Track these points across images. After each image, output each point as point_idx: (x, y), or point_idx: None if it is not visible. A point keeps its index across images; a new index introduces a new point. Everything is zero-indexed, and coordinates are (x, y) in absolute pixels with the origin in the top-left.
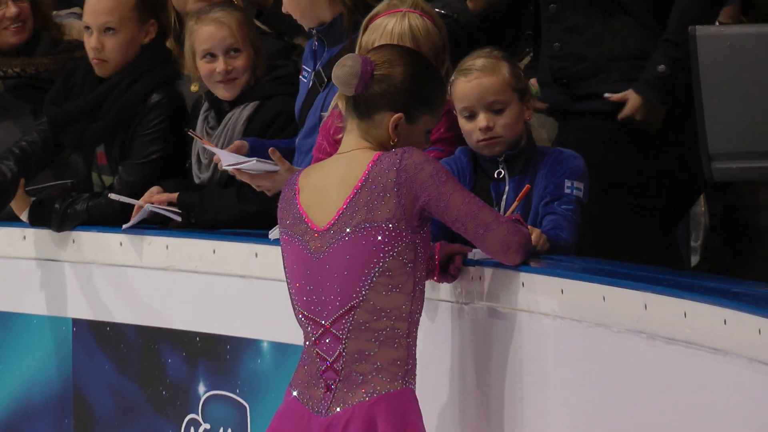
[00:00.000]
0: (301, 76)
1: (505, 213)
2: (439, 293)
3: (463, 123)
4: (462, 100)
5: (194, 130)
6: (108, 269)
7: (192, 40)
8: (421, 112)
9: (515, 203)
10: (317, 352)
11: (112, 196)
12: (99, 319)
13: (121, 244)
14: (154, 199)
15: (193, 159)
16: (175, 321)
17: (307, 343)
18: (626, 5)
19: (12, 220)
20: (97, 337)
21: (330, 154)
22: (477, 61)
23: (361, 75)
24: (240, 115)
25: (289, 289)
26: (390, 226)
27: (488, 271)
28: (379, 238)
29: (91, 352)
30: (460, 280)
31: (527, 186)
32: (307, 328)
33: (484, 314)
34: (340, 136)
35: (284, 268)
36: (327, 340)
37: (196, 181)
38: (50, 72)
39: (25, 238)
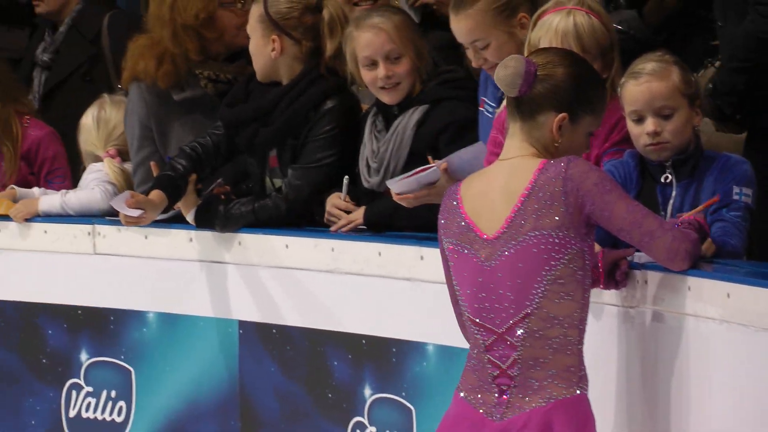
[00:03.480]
0: (482, 108)
1: (673, 217)
2: (604, 297)
3: (631, 126)
4: (631, 104)
5: (362, 133)
6: (274, 271)
7: (352, 46)
8: (584, 112)
9: (701, 207)
10: (489, 358)
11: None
12: (265, 321)
13: (287, 246)
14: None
15: (362, 164)
16: (341, 323)
17: (477, 349)
18: None
19: (178, 222)
20: (263, 339)
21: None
22: (648, 65)
23: (524, 75)
24: (409, 120)
25: (458, 296)
26: (560, 234)
27: (654, 275)
28: (550, 246)
29: (257, 354)
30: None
31: (717, 196)
32: (478, 334)
33: (650, 318)
34: None
35: (451, 276)
36: (500, 347)
37: (365, 185)
38: None
39: (191, 240)
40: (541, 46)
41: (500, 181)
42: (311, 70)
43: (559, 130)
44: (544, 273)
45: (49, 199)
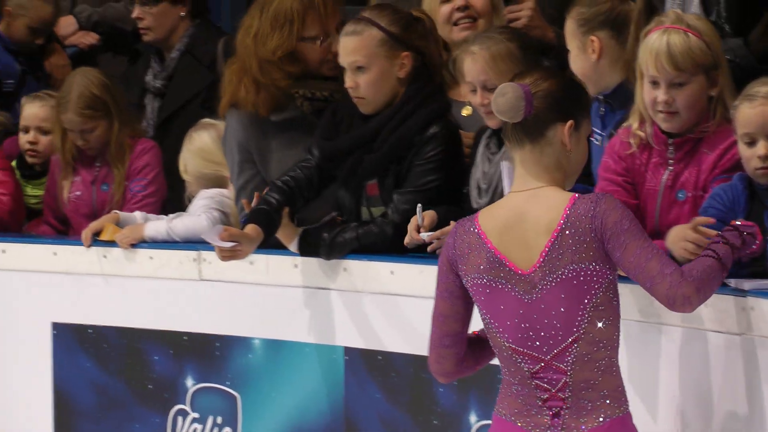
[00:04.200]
0: (592, 138)
1: None
2: (708, 324)
3: (742, 149)
4: (744, 126)
5: (474, 154)
6: (379, 297)
7: (459, 67)
8: (582, 117)
9: None
10: (536, 383)
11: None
12: (370, 348)
13: (392, 272)
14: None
15: (473, 185)
16: None
17: (519, 375)
18: None
19: (284, 248)
20: (368, 366)
21: (616, 172)
22: (762, 88)
23: (525, 96)
24: None
25: (492, 328)
26: (596, 267)
27: (759, 302)
28: (589, 277)
29: (362, 380)
30: (729, 310)
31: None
32: (519, 362)
33: (754, 345)
34: (628, 151)
35: (480, 309)
36: (548, 373)
37: (475, 206)
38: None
39: (296, 266)
40: (641, 65)
41: (528, 214)
42: (416, 93)
43: (569, 138)
44: (586, 301)
45: (155, 225)
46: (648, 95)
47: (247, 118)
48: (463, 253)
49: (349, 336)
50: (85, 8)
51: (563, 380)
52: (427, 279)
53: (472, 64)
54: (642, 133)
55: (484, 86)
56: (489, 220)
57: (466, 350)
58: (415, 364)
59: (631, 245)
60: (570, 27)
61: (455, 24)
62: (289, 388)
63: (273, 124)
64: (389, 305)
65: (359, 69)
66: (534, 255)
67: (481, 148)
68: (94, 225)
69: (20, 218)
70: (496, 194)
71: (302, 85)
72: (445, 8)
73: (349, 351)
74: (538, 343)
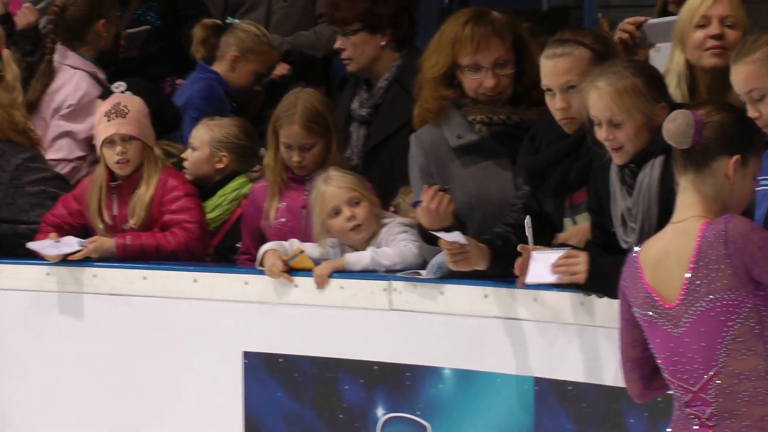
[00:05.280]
0: (757, 189)
1: None
2: None
3: None
4: None
5: (608, 188)
6: (569, 328)
7: (584, 102)
8: (751, 154)
9: None
10: (689, 411)
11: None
12: (560, 378)
13: (582, 303)
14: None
15: (617, 222)
16: None
17: (678, 402)
18: None
19: (477, 278)
20: (558, 397)
21: None
22: None
23: (695, 124)
24: (651, 177)
25: (656, 358)
26: (732, 295)
27: None
28: (724, 308)
29: (553, 410)
30: None
31: None
32: (677, 392)
33: None
34: None
35: (632, 332)
36: (697, 403)
37: (623, 246)
38: (531, 123)
39: (486, 296)
40: None
41: (671, 246)
42: None
43: (734, 172)
44: (723, 334)
45: (357, 256)
46: None
47: (427, 141)
48: (626, 285)
49: (539, 366)
50: (275, 38)
51: (709, 411)
52: (618, 309)
53: (598, 99)
54: None
55: (609, 122)
56: (647, 252)
57: (654, 372)
58: (607, 394)
59: None
60: (755, 69)
61: (706, 50)
62: (479, 419)
63: (452, 149)
64: (580, 336)
65: (572, 89)
66: (677, 288)
67: (616, 184)
68: (277, 262)
69: (207, 245)
70: (644, 233)
71: (479, 110)
72: (700, 34)
73: (539, 381)
74: (685, 376)
